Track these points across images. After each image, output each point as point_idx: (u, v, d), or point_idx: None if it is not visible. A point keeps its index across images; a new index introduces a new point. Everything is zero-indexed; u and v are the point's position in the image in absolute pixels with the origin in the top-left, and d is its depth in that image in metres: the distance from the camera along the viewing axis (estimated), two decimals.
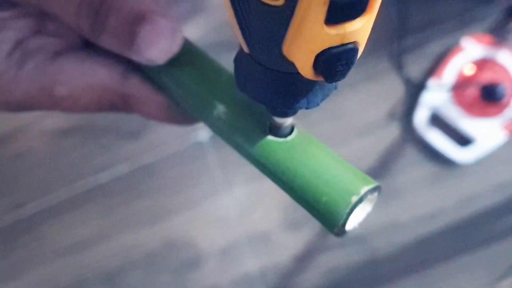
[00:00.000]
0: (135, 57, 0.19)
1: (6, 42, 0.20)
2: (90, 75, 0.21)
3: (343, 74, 0.15)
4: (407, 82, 0.70)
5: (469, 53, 0.68)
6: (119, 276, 0.71)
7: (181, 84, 0.21)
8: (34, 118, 0.76)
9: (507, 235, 0.66)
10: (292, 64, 0.15)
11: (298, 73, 0.15)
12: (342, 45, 0.14)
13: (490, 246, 0.66)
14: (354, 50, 0.14)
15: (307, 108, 0.17)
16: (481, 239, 0.66)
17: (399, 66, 0.70)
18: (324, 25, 0.13)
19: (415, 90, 0.69)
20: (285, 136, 0.20)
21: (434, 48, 0.70)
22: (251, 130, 0.20)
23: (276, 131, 0.19)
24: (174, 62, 0.20)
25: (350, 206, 0.18)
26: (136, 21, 0.18)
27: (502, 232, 0.66)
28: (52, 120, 0.76)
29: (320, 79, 0.15)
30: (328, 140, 0.74)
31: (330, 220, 0.18)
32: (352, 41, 0.14)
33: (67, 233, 0.73)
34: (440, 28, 0.70)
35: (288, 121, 0.19)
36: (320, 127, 0.70)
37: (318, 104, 0.17)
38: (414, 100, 0.69)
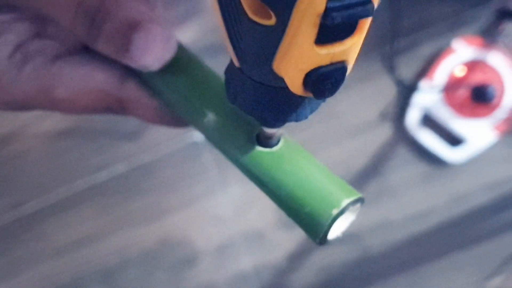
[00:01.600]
0: (129, 63, 0.20)
1: (7, 45, 0.20)
2: (88, 79, 0.21)
3: (332, 92, 0.15)
4: (399, 83, 0.70)
5: (460, 55, 0.69)
6: (117, 274, 0.72)
7: (174, 90, 0.22)
8: (32, 119, 0.77)
9: (497, 234, 0.67)
10: (282, 79, 0.15)
11: (288, 88, 0.15)
12: (332, 64, 0.14)
13: (480, 244, 0.67)
14: (343, 69, 0.15)
15: (296, 121, 0.18)
16: (472, 237, 0.67)
17: (391, 68, 0.71)
18: (314, 45, 0.13)
19: (407, 91, 0.70)
20: (272, 146, 0.20)
21: (426, 50, 0.70)
22: (239, 139, 0.20)
23: (264, 141, 0.20)
24: (168, 68, 0.21)
25: (331, 218, 0.18)
26: (131, 28, 0.19)
27: (492, 231, 0.67)
28: (51, 121, 0.77)
29: (309, 95, 0.15)
30: (321, 140, 0.75)
31: (312, 230, 0.19)
32: (341, 60, 0.14)
33: (65, 232, 0.74)
34: (432, 30, 0.71)
35: (277, 132, 0.19)
36: (313, 128, 0.71)
37: (306, 117, 0.18)
38: (406, 101, 0.70)
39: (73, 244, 0.73)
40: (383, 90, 0.71)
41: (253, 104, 0.17)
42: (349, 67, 0.15)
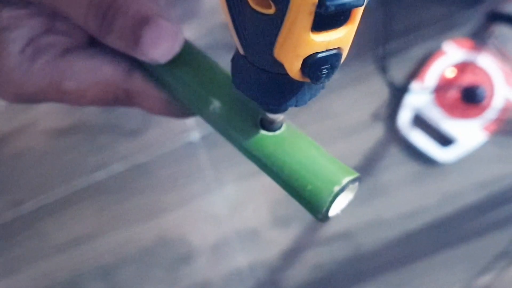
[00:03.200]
0: (139, 57, 0.21)
1: (20, 39, 0.21)
2: (97, 71, 0.22)
3: (327, 77, 0.16)
4: (391, 84, 0.72)
5: (450, 56, 0.70)
6: (114, 271, 0.73)
7: (181, 81, 0.23)
8: (32, 118, 0.78)
9: (487, 232, 0.68)
10: (282, 66, 0.16)
11: (288, 74, 0.16)
12: (327, 50, 0.15)
13: (470, 242, 0.68)
14: (338, 55, 0.16)
15: (296, 106, 0.19)
16: (462, 235, 0.68)
17: (383, 70, 0.72)
18: (311, 32, 0.14)
19: (398, 92, 0.71)
20: (275, 130, 0.21)
21: (417, 52, 0.71)
22: (243, 124, 0.21)
23: (267, 125, 0.21)
24: (175, 60, 0.22)
25: (332, 195, 0.19)
26: (141, 23, 0.20)
27: (482, 229, 0.68)
28: (50, 121, 0.78)
29: (307, 80, 0.16)
30: (316, 140, 0.75)
31: (314, 207, 0.19)
32: (336, 47, 0.15)
33: (64, 230, 0.75)
34: (423, 33, 0.72)
35: (279, 117, 0.20)
36: (308, 128, 0.72)
37: (306, 103, 0.19)
38: (397, 102, 0.71)
39: (72, 242, 0.74)
40: (376, 91, 0.72)
41: (256, 90, 0.18)
42: (344, 54, 0.16)
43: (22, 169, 0.77)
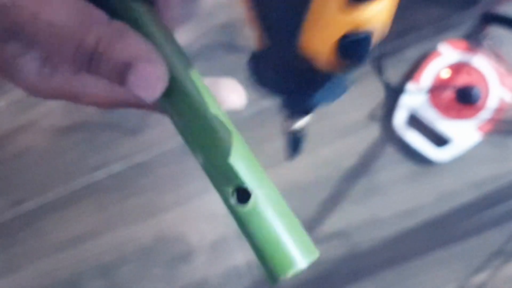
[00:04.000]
0: (129, 95, 0.22)
1: (35, 60, 0.22)
2: (112, 84, 0.23)
3: (360, 59, 0.16)
4: (387, 85, 0.72)
5: (445, 57, 0.70)
6: (114, 269, 0.73)
7: (172, 119, 0.23)
8: (33, 118, 0.78)
9: (482, 231, 0.69)
10: (308, 60, 0.15)
11: (313, 69, 0.16)
12: (358, 33, 0.14)
13: (466, 241, 0.68)
14: (370, 35, 0.15)
15: (322, 102, 0.18)
16: (458, 234, 0.69)
17: (379, 70, 0.72)
18: (344, 8, 0.13)
19: (394, 93, 0.72)
20: (246, 201, 0.21)
21: (413, 53, 0.72)
22: (221, 186, 0.21)
23: (240, 196, 0.21)
24: (166, 96, 0.22)
25: (286, 276, 0.20)
26: (124, 68, 0.21)
27: (477, 228, 0.69)
28: (50, 120, 0.78)
29: (338, 67, 0.15)
30: (312, 140, 0.76)
31: (269, 278, 0.21)
32: (369, 25, 0.15)
33: (64, 228, 0.75)
34: (418, 34, 0.73)
35: (303, 122, 0.20)
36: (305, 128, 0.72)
37: (332, 101, 0.18)
38: (393, 103, 0.71)
39: (72, 240, 0.75)
40: (372, 92, 0.73)
41: (281, 86, 0.18)
42: (377, 33, 0.15)
43: (22, 168, 0.78)
